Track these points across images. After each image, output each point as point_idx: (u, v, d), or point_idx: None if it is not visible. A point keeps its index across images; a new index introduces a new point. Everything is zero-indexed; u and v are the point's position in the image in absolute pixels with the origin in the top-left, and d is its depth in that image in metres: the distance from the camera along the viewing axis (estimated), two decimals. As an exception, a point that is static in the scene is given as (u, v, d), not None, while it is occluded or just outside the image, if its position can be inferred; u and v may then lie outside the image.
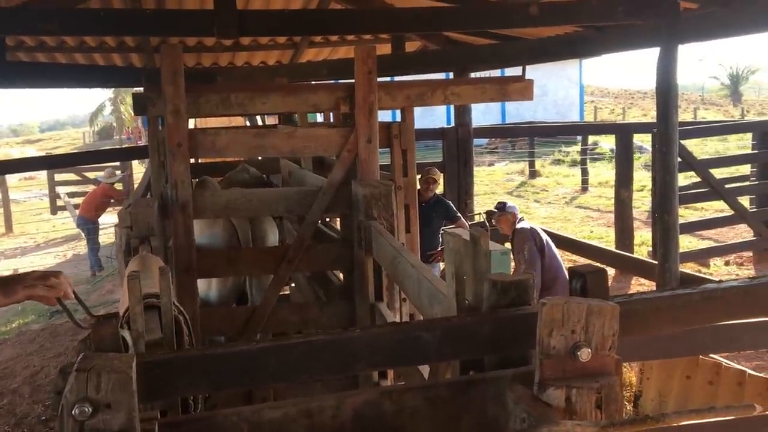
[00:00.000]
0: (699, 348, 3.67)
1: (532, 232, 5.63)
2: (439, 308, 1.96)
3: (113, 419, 1.20)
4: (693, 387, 4.41)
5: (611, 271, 8.75)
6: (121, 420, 1.21)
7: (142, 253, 2.55)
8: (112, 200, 11.60)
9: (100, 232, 11.46)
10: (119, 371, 1.21)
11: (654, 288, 5.78)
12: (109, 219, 12.37)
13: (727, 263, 9.03)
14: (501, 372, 1.55)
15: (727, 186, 8.41)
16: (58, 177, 15.79)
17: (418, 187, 5.33)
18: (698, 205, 11.02)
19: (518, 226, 5.75)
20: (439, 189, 9.10)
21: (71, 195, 15.00)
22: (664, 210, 4.61)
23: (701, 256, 8.45)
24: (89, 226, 11.02)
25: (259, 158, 6.30)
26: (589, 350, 1.40)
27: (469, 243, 1.74)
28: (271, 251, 3.86)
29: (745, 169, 10.22)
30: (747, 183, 9.22)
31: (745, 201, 8.71)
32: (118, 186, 12.44)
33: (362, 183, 3.21)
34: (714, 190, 8.14)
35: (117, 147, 26.82)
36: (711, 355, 4.30)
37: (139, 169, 17.10)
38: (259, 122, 10.83)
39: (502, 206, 5.95)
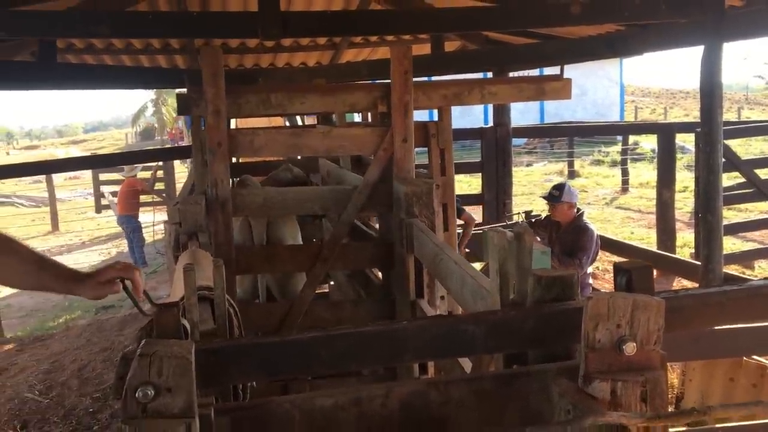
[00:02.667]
0: (742, 349, 3.62)
1: (597, 238, 5.31)
2: (482, 304, 1.98)
3: (174, 402, 1.26)
4: (736, 389, 4.35)
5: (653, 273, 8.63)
6: (181, 403, 1.26)
7: (192, 248, 2.63)
8: (140, 190, 11.70)
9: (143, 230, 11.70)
10: (180, 356, 1.27)
11: (697, 289, 5.69)
12: (146, 218, 12.61)
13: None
14: (546, 366, 1.57)
15: (771, 185, 8.24)
16: (102, 176, 16.19)
17: None
18: (742, 206, 10.81)
19: (585, 222, 5.38)
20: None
21: (114, 194, 15.37)
22: (708, 210, 4.55)
23: (745, 258, 8.29)
24: (128, 224, 11.23)
25: (299, 158, 6.39)
26: (635, 344, 1.41)
27: (513, 239, 1.76)
28: (307, 249, 3.92)
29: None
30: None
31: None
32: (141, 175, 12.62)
33: (404, 181, 3.25)
34: (759, 190, 7.99)
35: (159, 147, 27.36)
36: (754, 357, 4.23)
37: (180, 169, 17.40)
38: (299, 123, 10.93)
39: (560, 189, 5.44)
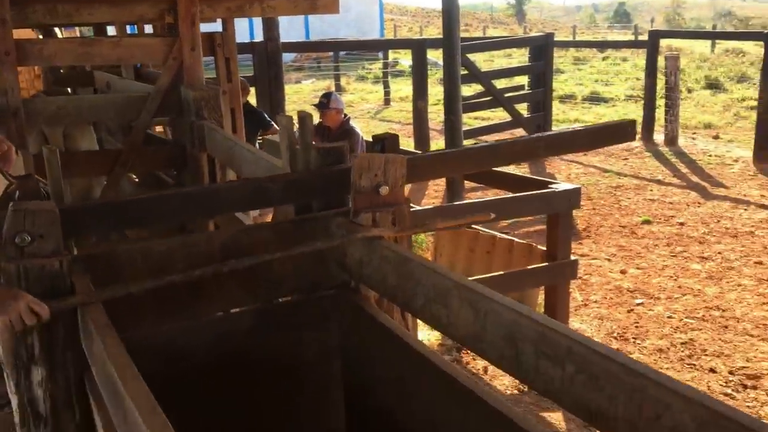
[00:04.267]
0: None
1: (363, 140, 5.98)
2: (275, 178, 2.48)
3: (47, 246, 1.62)
4: (474, 258, 5.37)
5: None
6: (53, 246, 1.62)
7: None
8: None
9: None
10: (49, 210, 1.61)
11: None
12: None
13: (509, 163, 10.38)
14: (327, 212, 2.13)
15: (506, 95, 9.63)
16: None
17: None
18: (483, 113, 12.34)
19: (352, 126, 6.00)
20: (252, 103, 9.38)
21: None
22: (450, 112, 5.43)
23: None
24: None
25: (62, 71, 6.24)
26: (387, 187, 2.02)
27: (299, 121, 2.28)
28: (106, 154, 4.10)
29: (523, 80, 11.63)
30: (522, 92, 10.53)
31: (522, 108, 10.02)
32: None
33: (192, 87, 3.57)
34: (495, 98, 9.29)
35: None
36: (486, 230, 5.25)
37: None
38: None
39: (328, 97, 5.96)
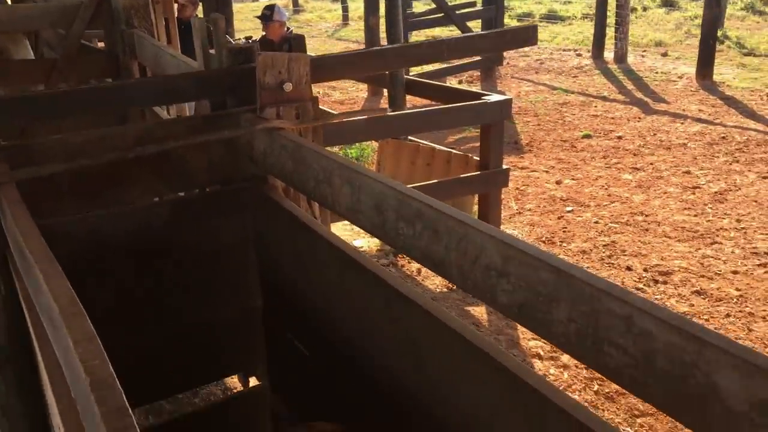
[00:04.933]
0: (411, 129, 4.70)
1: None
2: (194, 79, 2.61)
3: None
4: (415, 169, 5.57)
5: (364, 87, 9.80)
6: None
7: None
8: None
9: None
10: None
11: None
12: None
13: (460, 82, 10.51)
14: (238, 109, 2.28)
15: (458, 12, 9.63)
16: None
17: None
18: (435, 31, 12.33)
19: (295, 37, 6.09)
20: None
21: None
22: (392, 26, 5.50)
23: (437, 76, 9.74)
24: None
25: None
26: (291, 84, 2.16)
27: (212, 22, 2.39)
28: (42, 63, 4.12)
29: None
30: (475, 9, 10.54)
31: (472, 24, 10.04)
32: None
33: (123, -4, 3.61)
34: (447, 15, 9.30)
35: None
36: (426, 143, 5.44)
37: None
38: None
39: (271, 9, 5.94)
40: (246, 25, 15.50)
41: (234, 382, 3.26)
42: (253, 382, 3.07)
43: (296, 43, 2.29)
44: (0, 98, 1.88)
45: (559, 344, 1.20)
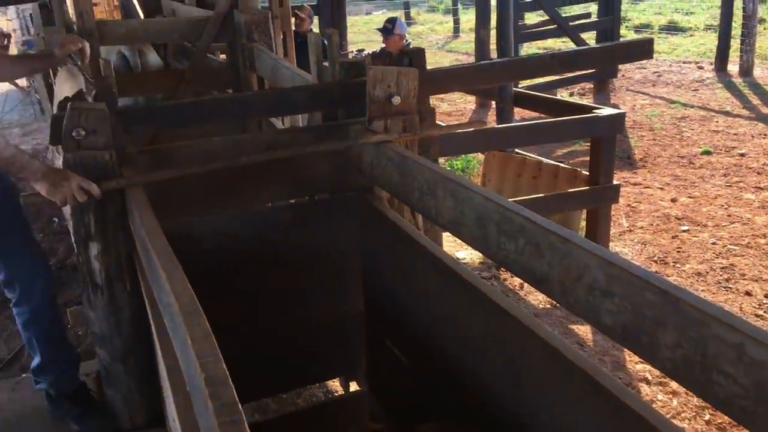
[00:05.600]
0: (518, 141, 4.66)
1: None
2: (307, 92, 2.71)
3: (98, 140, 1.91)
4: (521, 183, 5.51)
5: (472, 99, 9.78)
6: (104, 140, 1.91)
7: (68, 66, 3.10)
8: None
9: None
10: (100, 109, 1.90)
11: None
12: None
13: (571, 94, 10.27)
14: (347, 121, 2.36)
15: (571, 24, 9.44)
16: None
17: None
18: (547, 43, 12.12)
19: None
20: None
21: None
22: (502, 38, 5.47)
23: (548, 88, 9.57)
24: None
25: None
26: (399, 98, 2.21)
27: (326, 37, 2.48)
28: (172, 73, 4.41)
29: (593, 7, 11.31)
30: (589, 20, 10.27)
31: (587, 36, 9.81)
32: None
33: (243, 11, 3.80)
34: (560, 27, 9.14)
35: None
36: (533, 156, 5.36)
37: None
38: None
39: (393, 22, 6.11)
40: (359, 38, 15.88)
41: (335, 385, 3.34)
42: (353, 386, 3.13)
43: (416, 56, 2.35)
44: (137, 108, 2.03)
45: (664, 370, 1.16)
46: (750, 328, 0.99)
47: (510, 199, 4.40)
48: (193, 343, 1.06)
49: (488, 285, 1.70)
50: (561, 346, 1.43)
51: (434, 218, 1.83)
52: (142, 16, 6.17)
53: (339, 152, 2.27)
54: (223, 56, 6.05)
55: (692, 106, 9.15)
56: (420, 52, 2.44)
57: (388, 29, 6.10)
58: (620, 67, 10.42)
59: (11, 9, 13.22)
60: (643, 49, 3.01)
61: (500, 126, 4.18)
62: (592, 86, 10.23)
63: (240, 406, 0.91)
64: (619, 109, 7.67)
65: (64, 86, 2.84)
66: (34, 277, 2.19)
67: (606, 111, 4.47)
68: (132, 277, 2.04)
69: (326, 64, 2.54)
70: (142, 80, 4.11)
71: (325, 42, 2.58)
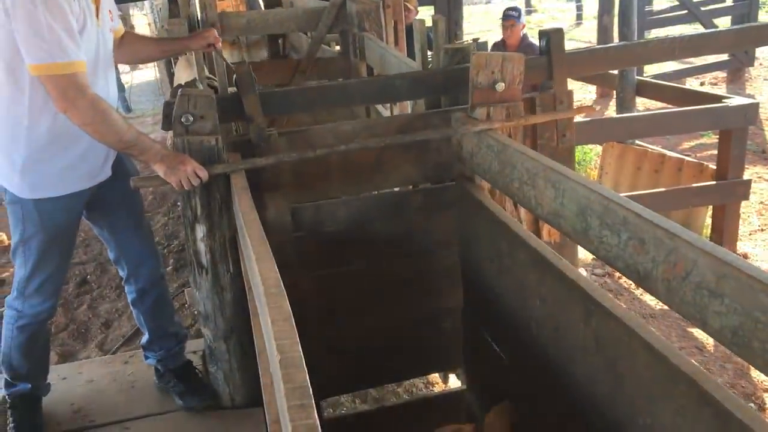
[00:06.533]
0: (638, 132, 4.41)
1: None
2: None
3: (205, 125, 1.97)
4: (641, 175, 5.23)
5: (593, 88, 9.40)
6: (210, 126, 1.97)
7: (185, 56, 3.26)
8: None
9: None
10: (207, 96, 1.96)
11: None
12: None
13: (702, 83, 9.65)
14: (449, 108, 2.31)
15: (702, 9, 8.85)
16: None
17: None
18: (678, 29, 11.42)
19: (530, 40, 5.71)
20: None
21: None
22: (624, 24, 5.21)
23: (676, 77, 9.02)
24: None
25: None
26: (503, 84, 2.14)
27: (433, 25, 2.44)
28: (288, 63, 4.53)
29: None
30: (723, 5, 9.59)
31: (721, 22, 9.16)
32: None
33: (355, 1, 3.83)
34: (690, 12, 8.60)
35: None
36: (655, 148, 5.07)
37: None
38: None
39: (518, 10, 5.77)
40: (475, 28, 15.69)
41: (434, 377, 3.32)
42: (452, 379, 3.09)
43: (554, 36, 2.29)
44: (278, 91, 2.11)
45: (779, 380, 1.05)
46: None
47: (628, 193, 4.17)
48: (273, 324, 1.06)
49: (589, 280, 1.61)
50: (666, 350, 1.33)
51: (534, 209, 1.75)
52: (263, 8, 6.38)
53: (440, 140, 2.23)
54: (337, 47, 6.17)
55: (842, 96, 8.34)
56: (558, 32, 2.35)
57: (515, 16, 5.80)
58: (757, 54, 9.66)
59: (146, 4, 14.12)
60: (777, 32, 2.75)
61: (620, 116, 3.97)
62: (725, 75, 9.56)
63: (311, 390, 0.90)
64: (753, 99, 7.14)
65: (182, 74, 2.98)
66: (142, 259, 2.30)
67: (737, 100, 4.16)
68: (235, 260, 2.10)
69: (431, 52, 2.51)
70: (259, 69, 4.23)
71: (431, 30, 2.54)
